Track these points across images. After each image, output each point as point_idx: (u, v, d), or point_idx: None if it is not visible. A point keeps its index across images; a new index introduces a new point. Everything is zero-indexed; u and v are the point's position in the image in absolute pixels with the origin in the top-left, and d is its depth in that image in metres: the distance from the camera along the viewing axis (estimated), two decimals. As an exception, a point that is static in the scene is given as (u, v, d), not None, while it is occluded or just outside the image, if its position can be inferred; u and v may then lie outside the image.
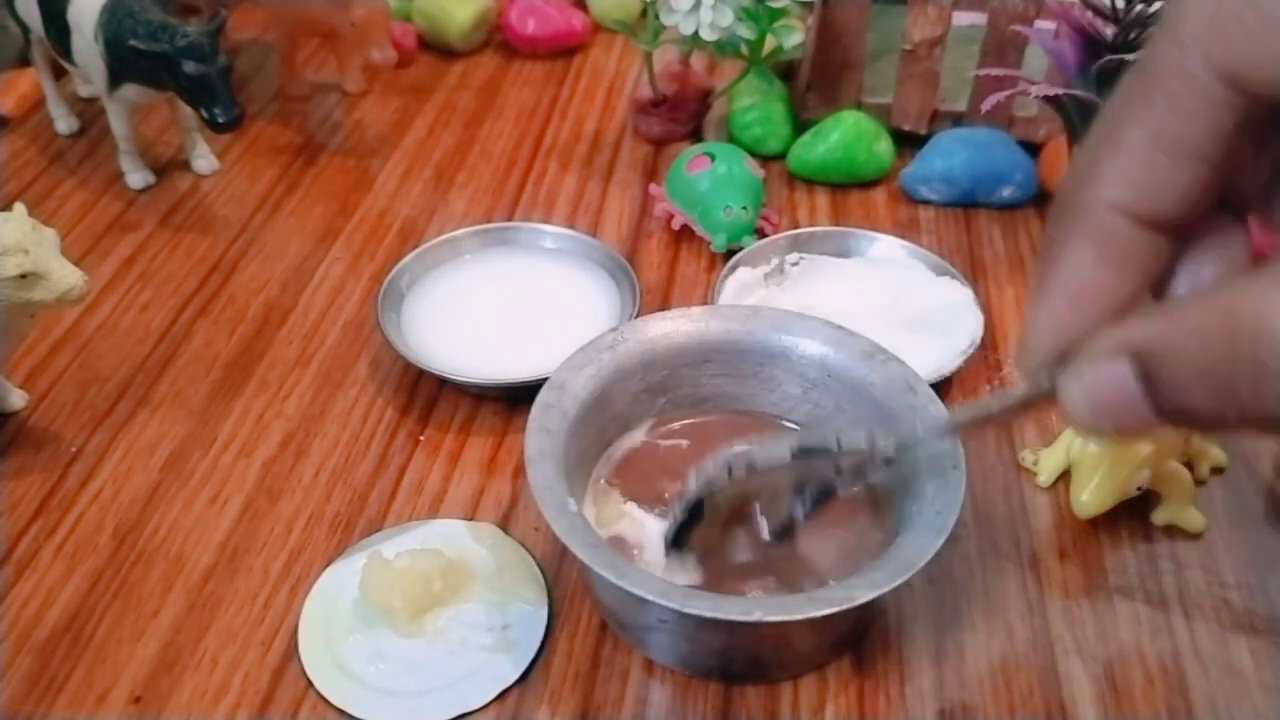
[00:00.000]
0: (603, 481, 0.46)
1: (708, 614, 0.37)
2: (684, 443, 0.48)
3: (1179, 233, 0.26)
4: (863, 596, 0.37)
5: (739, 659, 0.42)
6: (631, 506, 0.45)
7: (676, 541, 0.42)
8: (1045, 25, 0.64)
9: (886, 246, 0.61)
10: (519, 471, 0.52)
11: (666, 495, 0.45)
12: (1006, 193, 0.67)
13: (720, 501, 0.41)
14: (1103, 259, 0.26)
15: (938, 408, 0.44)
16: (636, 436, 0.48)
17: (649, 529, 0.44)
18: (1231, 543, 0.48)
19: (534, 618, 0.45)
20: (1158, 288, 0.27)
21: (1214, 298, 0.23)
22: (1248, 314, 0.22)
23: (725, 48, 0.68)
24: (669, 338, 0.47)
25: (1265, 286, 0.22)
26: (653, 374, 0.47)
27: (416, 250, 0.60)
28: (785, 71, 0.75)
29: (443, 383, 0.56)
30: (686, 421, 0.49)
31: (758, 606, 0.37)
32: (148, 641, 0.44)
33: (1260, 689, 0.42)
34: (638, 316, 0.56)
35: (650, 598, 0.37)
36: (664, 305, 0.61)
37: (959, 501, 0.40)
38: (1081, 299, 0.27)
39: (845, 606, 0.37)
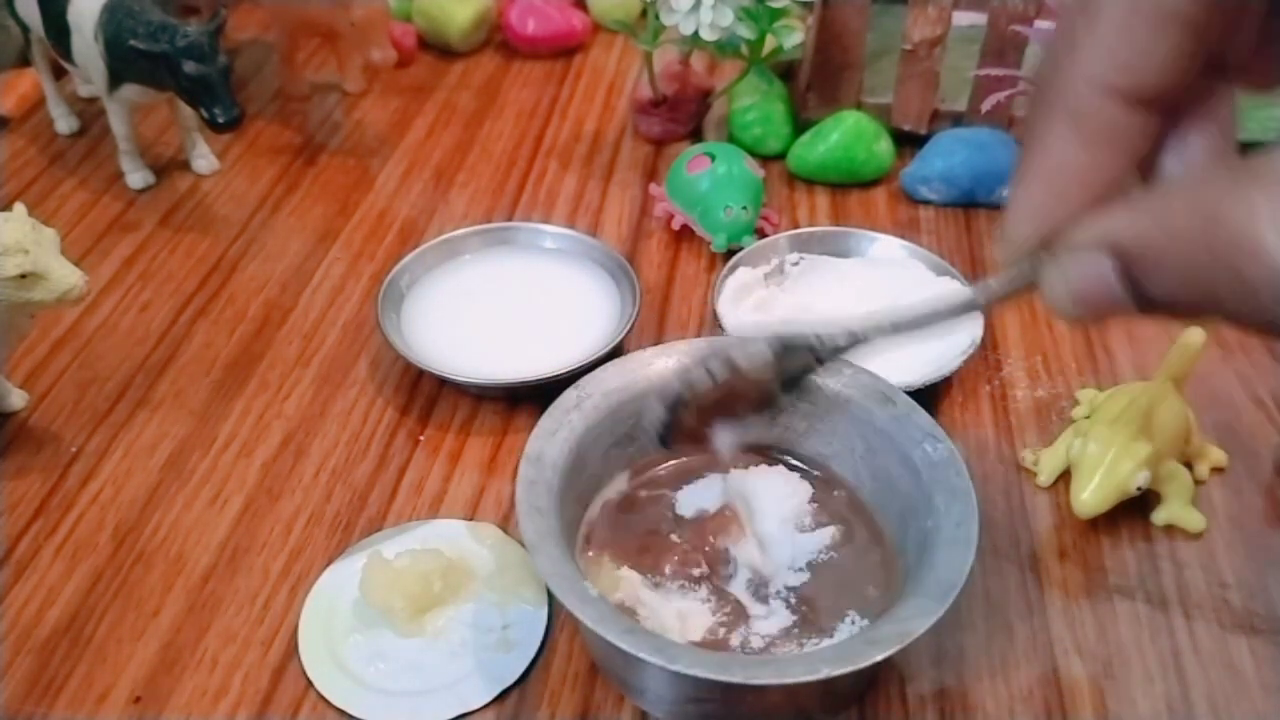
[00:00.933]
0: (590, 551, 0.44)
1: (779, 681, 0.35)
2: (664, 492, 0.47)
3: (1164, 107, 0.25)
4: (919, 628, 0.36)
5: (778, 713, 0.41)
6: (626, 571, 0.43)
7: (663, 440, 0.40)
8: (1045, 25, 0.64)
9: (886, 246, 0.61)
10: (518, 472, 0.51)
11: (656, 559, 0.44)
12: (1007, 193, 0.67)
13: (702, 398, 0.39)
14: (1084, 141, 0.25)
15: (921, 416, 0.44)
16: (611, 492, 0.46)
17: (645, 592, 0.42)
18: (1231, 543, 0.48)
19: (534, 618, 0.44)
20: (1145, 166, 0.26)
21: (1197, 195, 0.23)
22: (1229, 220, 0.21)
23: (725, 48, 0.68)
24: (631, 385, 0.46)
25: (1247, 188, 0.21)
26: (620, 425, 0.46)
27: (416, 250, 0.60)
28: (785, 71, 0.75)
29: (443, 383, 0.56)
30: (659, 469, 0.47)
31: (822, 662, 0.35)
32: (148, 641, 0.44)
33: (1260, 689, 0.42)
34: (637, 318, 0.56)
35: (728, 679, 0.35)
36: (664, 305, 0.61)
37: (975, 509, 0.39)
38: (1063, 184, 0.26)
39: (905, 643, 0.35)
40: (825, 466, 0.47)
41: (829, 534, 0.45)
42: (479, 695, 0.42)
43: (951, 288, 0.58)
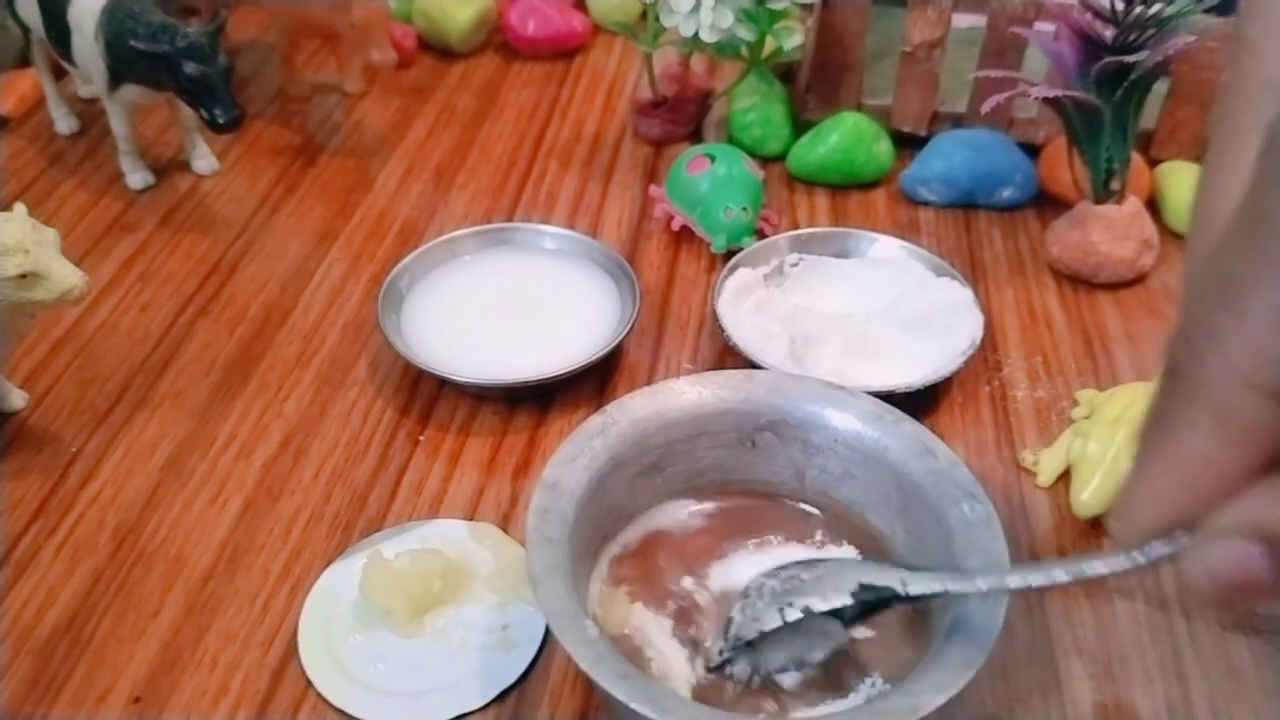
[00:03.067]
0: (605, 584, 0.42)
1: None
2: (692, 528, 0.44)
3: None
4: (930, 704, 0.33)
5: None
6: (639, 607, 0.41)
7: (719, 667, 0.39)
8: (1045, 27, 0.64)
9: (886, 247, 0.61)
10: (519, 472, 0.52)
11: (675, 595, 0.42)
12: (1006, 194, 0.67)
13: (768, 640, 0.38)
14: (1229, 438, 0.23)
15: (962, 472, 0.41)
16: (639, 528, 0.44)
17: (657, 630, 0.41)
18: (1231, 543, 0.48)
19: (534, 618, 0.44)
20: None
21: None
22: None
23: (725, 49, 0.68)
24: (661, 414, 0.44)
25: None
26: (647, 455, 0.44)
27: (416, 251, 0.60)
28: (785, 73, 0.75)
29: (443, 383, 0.56)
30: (694, 507, 0.45)
31: None
32: (148, 641, 0.44)
33: (1260, 689, 0.42)
34: (637, 319, 0.56)
35: None
36: (664, 306, 0.61)
37: (1003, 543, 0.38)
38: (1200, 478, 0.24)
39: (913, 718, 0.33)
40: (860, 516, 0.44)
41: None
42: (479, 695, 0.42)
43: (951, 289, 0.58)
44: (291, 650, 0.44)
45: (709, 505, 0.46)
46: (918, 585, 0.36)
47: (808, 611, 0.37)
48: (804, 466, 0.45)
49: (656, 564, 0.43)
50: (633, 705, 0.33)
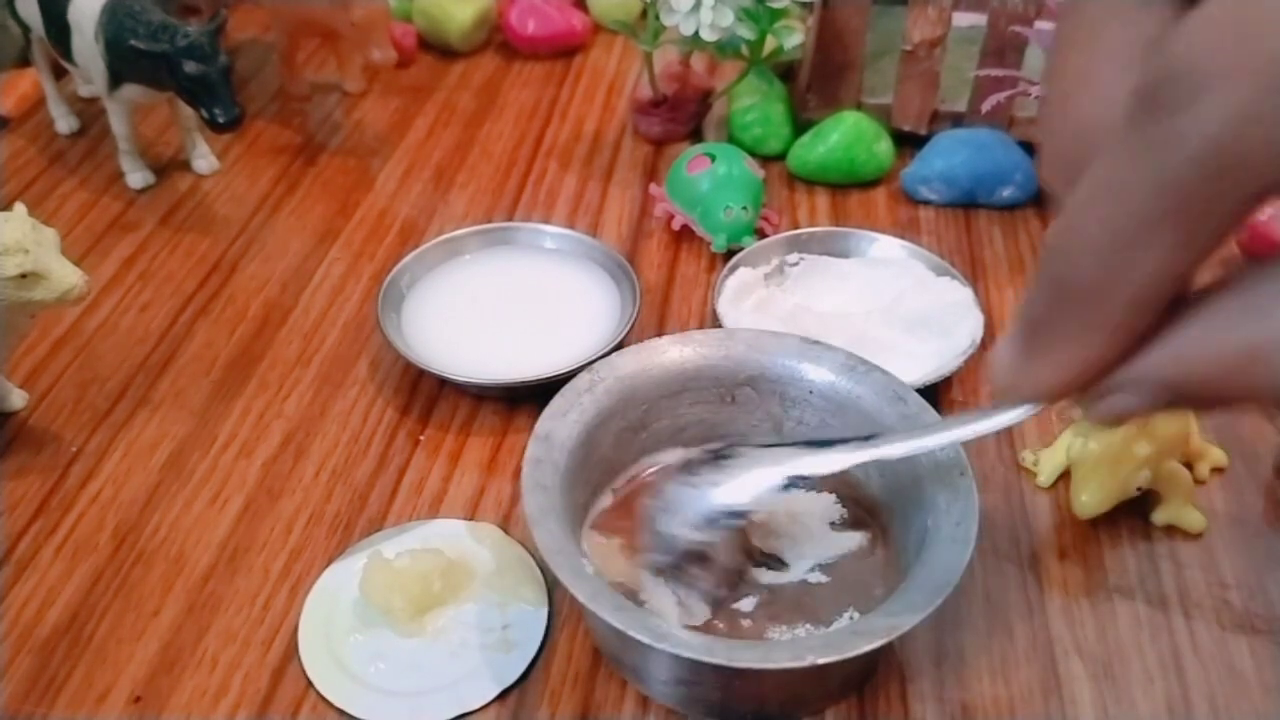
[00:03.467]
0: (598, 534, 0.45)
1: (761, 665, 0.35)
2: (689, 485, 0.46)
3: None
4: (907, 623, 0.36)
5: (771, 700, 0.41)
6: (633, 556, 0.44)
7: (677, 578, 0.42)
8: (1045, 25, 0.64)
9: (886, 247, 0.61)
10: (519, 472, 0.51)
11: (656, 547, 0.44)
12: (1006, 193, 0.67)
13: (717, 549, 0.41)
14: (1095, 325, 0.25)
15: (930, 415, 0.44)
16: (625, 479, 0.47)
17: (649, 578, 0.43)
18: (1231, 543, 0.48)
19: (534, 618, 0.44)
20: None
21: (1234, 328, 0.23)
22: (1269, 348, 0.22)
23: (725, 48, 0.68)
24: (646, 371, 0.46)
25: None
26: (633, 411, 0.46)
27: (416, 250, 0.60)
28: (785, 72, 0.75)
29: (443, 383, 0.56)
30: (676, 456, 0.47)
31: (809, 650, 0.36)
32: (148, 641, 0.44)
33: (1260, 689, 0.42)
34: (637, 318, 0.56)
35: (711, 660, 0.35)
36: (664, 305, 0.61)
37: (975, 509, 0.39)
38: (1075, 367, 0.26)
39: (893, 636, 0.36)
40: None
41: (858, 538, 0.45)
42: (479, 695, 0.42)
43: (951, 288, 0.58)
44: (292, 650, 0.44)
45: (692, 452, 0.47)
46: (829, 464, 0.39)
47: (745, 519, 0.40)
48: (781, 419, 0.48)
49: (640, 512, 0.45)
50: (630, 633, 0.35)
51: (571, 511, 0.42)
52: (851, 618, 0.42)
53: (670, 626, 0.39)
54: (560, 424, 0.44)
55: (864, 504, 0.46)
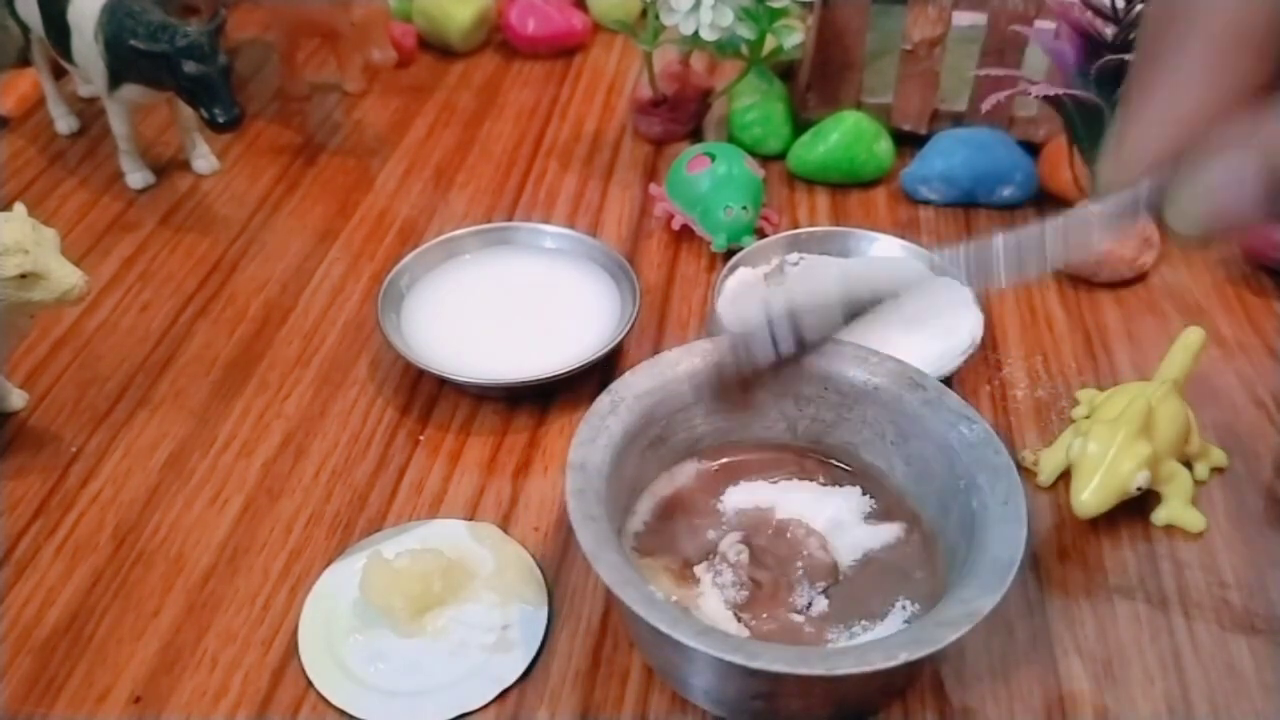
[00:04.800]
0: (642, 557, 0.44)
1: (857, 669, 0.34)
2: (699, 481, 0.47)
3: None
4: (988, 603, 0.36)
5: (850, 701, 0.41)
6: (679, 571, 0.44)
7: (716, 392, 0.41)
8: (1045, 25, 0.64)
9: (886, 246, 0.61)
10: (519, 471, 0.52)
11: (700, 559, 0.44)
12: (1006, 192, 0.67)
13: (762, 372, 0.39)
14: (1217, 61, 0.24)
15: (952, 398, 0.44)
16: (651, 498, 0.47)
17: (697, 596, 0.43)
18: (1231, 543, 0.48)
19: (534, 618, 0.44)
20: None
21: None
22: None
23: (725, 48, 0.68)
24: (663, 387, 0.46)
25: None
26: (653, 428, 0.46)
27: (416, 250, 0.60)
28: (785, 71, 0.75)
29: (443, 383, 0.56)
30: (699, 466, 0.48)
31: (899, 647, 0.35)
32: (148, 641, 0.44)
33: (1260, 689, 0.42)
34: (637, 318, 0.56)
35: (809, 671, 0.34)
36: (664, 305, 0.61)
37: (1019, 484, 0.40)
38: (1187, 110, 0.24)
39: (976, 621, 0.35)
40: (855, 456, 0.47)
41: (895, 529, 0.45)
42: (479, 695, 0.42)
43: (951, 288, 0.58)
44: (291, 650, 0.44)
45: (711, 464, 0.48)
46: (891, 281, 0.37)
47: (800, 342, 0.39)
48: (796, 419, 0.48)
49: (677, 527, 0.45)
50: (723, 656, 0.35)
51: (616, 538, 0.41)
52: (904, 606, 0.42)
53: (761, 645, 0.37)
54: (592, 450, 0.43)
55: (891, 494, 0.46)
